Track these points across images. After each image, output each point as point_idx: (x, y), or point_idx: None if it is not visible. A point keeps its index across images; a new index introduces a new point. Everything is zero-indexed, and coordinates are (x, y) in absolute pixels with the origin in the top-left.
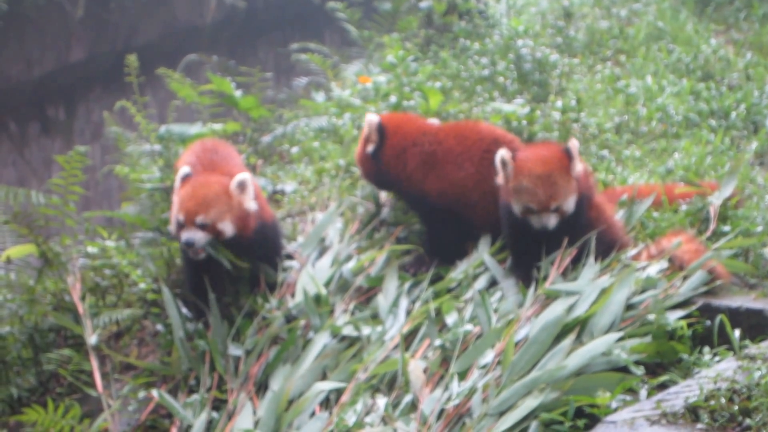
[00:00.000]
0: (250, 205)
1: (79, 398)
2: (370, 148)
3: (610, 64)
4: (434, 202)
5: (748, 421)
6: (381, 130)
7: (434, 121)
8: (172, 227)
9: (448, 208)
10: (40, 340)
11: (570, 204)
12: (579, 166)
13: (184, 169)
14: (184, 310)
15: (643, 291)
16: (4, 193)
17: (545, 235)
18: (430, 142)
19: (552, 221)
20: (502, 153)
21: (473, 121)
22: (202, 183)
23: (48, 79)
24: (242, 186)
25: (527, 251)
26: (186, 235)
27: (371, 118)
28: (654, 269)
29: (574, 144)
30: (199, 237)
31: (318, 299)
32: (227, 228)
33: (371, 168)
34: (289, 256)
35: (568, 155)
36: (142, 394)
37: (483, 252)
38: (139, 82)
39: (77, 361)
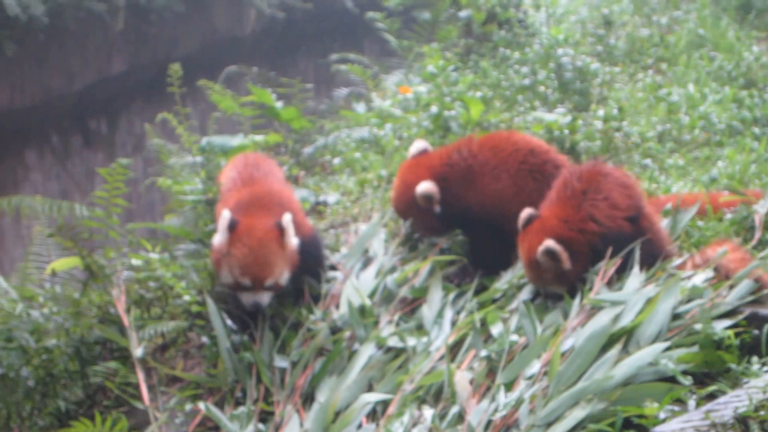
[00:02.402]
0: (294, 242)
1: (126, 411)
2: (437, 208)
3: (652, 73)
4: (476, 215)
5: None
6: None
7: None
8: (225, 283)
9: (490, 220)
10: (86, 353)
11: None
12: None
13: (225, 216)
14: (229, 323)
15: (689, 300)
16: (48, 206)
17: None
18: (465, 158)
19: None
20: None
21: (508, 132)
22: (258, 241)
23: (89, 91)
24: (288, 229)
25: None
26: (253, 298)
27: (426, 187)
28: (700, 278)
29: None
30: (265, 299)
31: (363, 310)
32: (286, 278)
33: (441, 224)
34: (333, 267)
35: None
36: (188, 406)
37: None
38: (181, 92)
39: (124, 374)
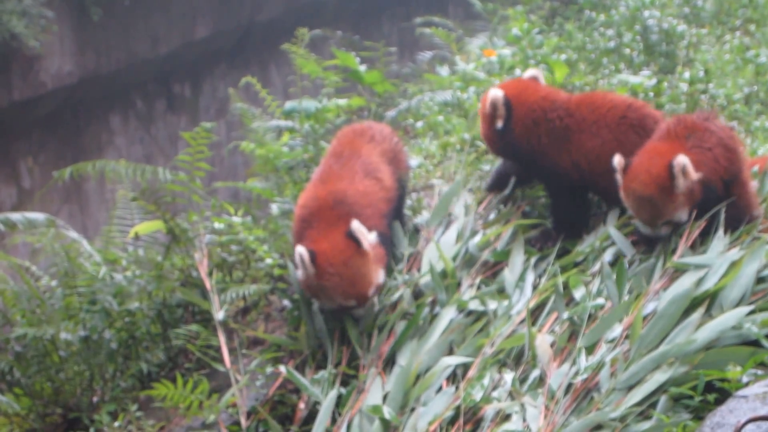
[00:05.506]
0: (371, 239)
1: (207, 373)
2: (500, 124)
3: (739, 34)
4: (567, 175)
5: None
6: (508, 104)
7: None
8: (330, 307)
9: (582, 180)
10: (168, 316)
11: (681, 216)
12: (681, 184)
13: (302, 253)
14: None
15: None
16: (131, 170)
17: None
18: (561, 116)
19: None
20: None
21: (601, 91)
22: (343, 264)
23: (173, 56)
24: (362, 234)
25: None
26: (364, 310)
27: (496, 94)
28: None
29: (678, 162)
30: (376, 302)
31: (444, 274)
32: (382, 275)
33: (501, 144)
34: (416, 230)
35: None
36: (269, 369)
37: (610, 225)
38: (263, 57)
39: (205, 337)
